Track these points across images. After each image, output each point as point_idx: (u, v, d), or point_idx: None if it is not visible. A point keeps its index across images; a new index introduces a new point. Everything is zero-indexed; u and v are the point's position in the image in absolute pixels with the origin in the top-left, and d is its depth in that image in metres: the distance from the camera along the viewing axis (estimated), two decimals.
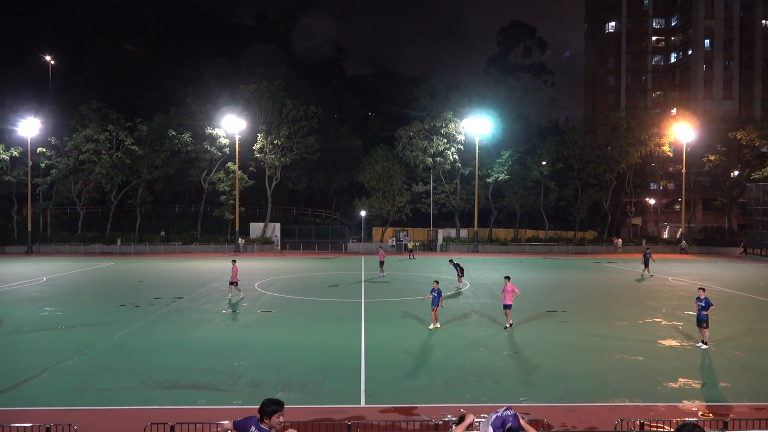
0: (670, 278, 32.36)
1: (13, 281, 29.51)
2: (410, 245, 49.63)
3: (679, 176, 60.04)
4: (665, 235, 70.65)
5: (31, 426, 8.54)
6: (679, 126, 57.30)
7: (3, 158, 50.63)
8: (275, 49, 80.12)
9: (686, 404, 11.07)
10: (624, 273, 35.56)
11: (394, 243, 55.92)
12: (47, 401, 10.99)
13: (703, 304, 15.58)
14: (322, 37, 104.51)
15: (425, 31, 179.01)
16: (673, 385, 12.23)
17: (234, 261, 24.72)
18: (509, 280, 18.24)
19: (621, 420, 8.93)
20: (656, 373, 13.00)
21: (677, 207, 70.84)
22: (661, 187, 70.44)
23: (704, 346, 15.41)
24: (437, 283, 18.08)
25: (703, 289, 16.20)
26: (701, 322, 15.60)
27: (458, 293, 25.71)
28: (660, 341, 16.22)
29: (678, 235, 60.03)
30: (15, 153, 51.16)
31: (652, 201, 71.87)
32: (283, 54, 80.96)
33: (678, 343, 15.97)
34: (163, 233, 55.13)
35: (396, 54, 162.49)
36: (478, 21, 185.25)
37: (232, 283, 23.75)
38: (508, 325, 17.83)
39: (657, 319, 19.54)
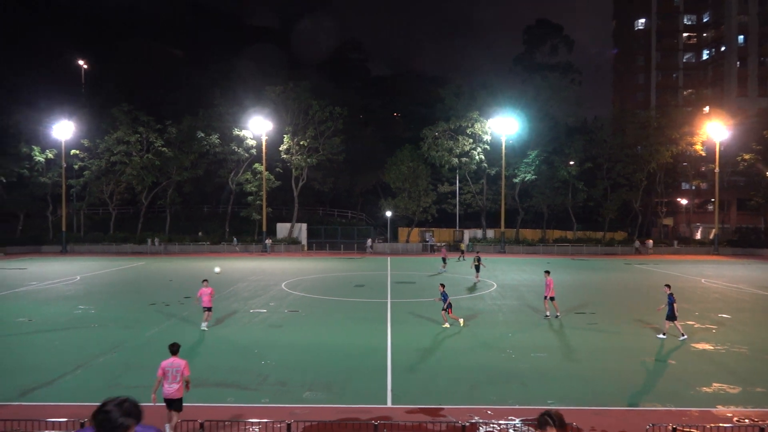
0: (702, 280, 31.61)
1: (49, 280, 30.31)
2: (462, 246, 49.43)
3: (712, 176, 58.62)
4: (698, 236, 69.04)
5: (65, 421, 8.76)
6: (711, 124, 55.94)
7: (39, 160, 52.10)
8: (300, 50, 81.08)
9: (721, 409, 10.78)
10: (655, 275, 34.84)
11: (371, 244, 55.25)
12: (81, 397, 11.24)
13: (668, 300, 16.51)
14: (345, 38, 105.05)
15: (447, 30, 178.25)
16: (707, 389, 11.92)
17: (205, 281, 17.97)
18: (549, 274, 19.85)
19: (652, 425, 8.75)
20: (689, 377, 12.70)
21: (710, 207, 69.18)
22: (694, 187, 68.87)
23: (678, 337, 16.29)
24: (443, 286, 18.45)
25: (668, 286, 17.05)
26: (671, 317, 16.38)
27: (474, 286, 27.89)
28: (693, 344, 15.84)
29: (711, 236, 58.61)
30: (50, 155, 52.59)
31: (684, 201, 70.30)
32: (308, 55, 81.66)
33: (712, 347, 15.58)
34: (200, 234, 56.36)
35: (418, 54, 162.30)
36: (503, 18, 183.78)
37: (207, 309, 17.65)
38: (551, 315, 19.59)
39: (690, 322, 19.09)
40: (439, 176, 58.93)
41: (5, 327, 17.83)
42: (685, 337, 16.27)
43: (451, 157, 55.79)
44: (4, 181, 51.07)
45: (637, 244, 55.51)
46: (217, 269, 22.11)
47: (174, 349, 9.58)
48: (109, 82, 70.94)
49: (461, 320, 18.15)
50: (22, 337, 16.52)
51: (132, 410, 3.43)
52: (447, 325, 17.92)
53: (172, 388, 9.16)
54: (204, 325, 17.54)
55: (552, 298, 19.55)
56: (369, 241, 55.11)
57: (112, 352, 14.74)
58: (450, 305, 17.98)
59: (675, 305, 16.32)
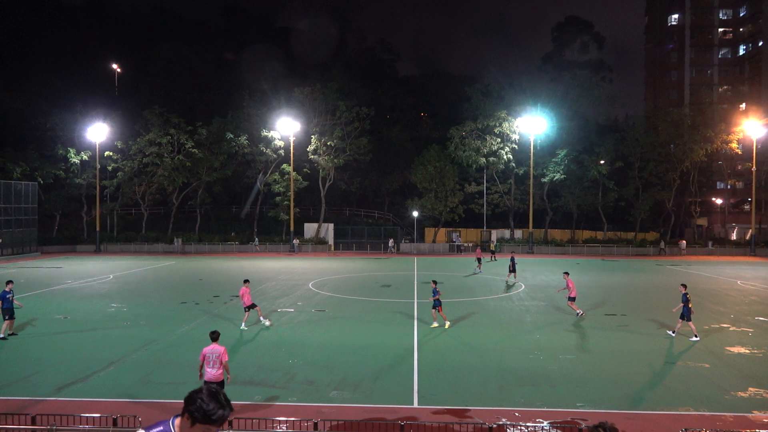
0: (739, 282, 30.76)
1: (83, 278, 31.11)
2: (493, 246, 48.89)
3: (749, 174, 56.95)
4: (734, 236, 67.15)
5: (99, 416, 8.97)
6: (748, 121, 54.37)
7: (74, 162, 53.54)
8: (328, 51, 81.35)
9: (757, 415, 10.48)
10: (687, 277, 34.00)
11: (393, 244, 54.67)
12: (114, 393, 11.51)
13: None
14: (374, 39, 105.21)
15: (474, 28, 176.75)
16: (743, 394, 11.60)
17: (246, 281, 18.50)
18: (568, 275, 20.25)
19: (685, 429, 8.56)
20: (723, 382, 12.37)
21: (747, 207, 67.21)
22: (729, 186, 66.96)
23: (689, 337, 16.37)
24: (435, 283, 18.40)
25: (684, 285, 16.97)
26: (683, 316, 16.43)
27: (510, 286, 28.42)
28: (728, 348, 15.42)
29: (747, 237, 56.95)
30: (85, 157, 54.00)
31: (719, 201, 68.47)
32: (335, 56, 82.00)
33: (747, 351, 15.15)
34: (233, 234, 57.40)
35: (445, 53, 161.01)
36: (532, 16, 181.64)
37: (249, 307, 17.93)
38: (581, 313, 19.71)
39: (724, 325, 18.60)
40: (467, 176, 58.52)
41: (42, 324, 18.36)
42: (671, 333, 16.77)
43: (478, 156, 55.40)
44: (42, 182, 52.59)
45: (662, 244, 53.89)
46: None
47: (214, 336, 10.64)
48: (144, 85, 72.48)
49: (436, 324, 17.91)
50: (59, 335, 16.98)
51: (226, 402, 3.32)
52: (435, 324, 17.88)
53: (213, 372, 10.16)
54: (266, 322, 18.18)
55: (572, 299, 19.72)
56: (391, 241, 55.01)
57: (144, 349, 15.05)
58: (439, 303, 17.88)
59: (687, 305, 16.32)
